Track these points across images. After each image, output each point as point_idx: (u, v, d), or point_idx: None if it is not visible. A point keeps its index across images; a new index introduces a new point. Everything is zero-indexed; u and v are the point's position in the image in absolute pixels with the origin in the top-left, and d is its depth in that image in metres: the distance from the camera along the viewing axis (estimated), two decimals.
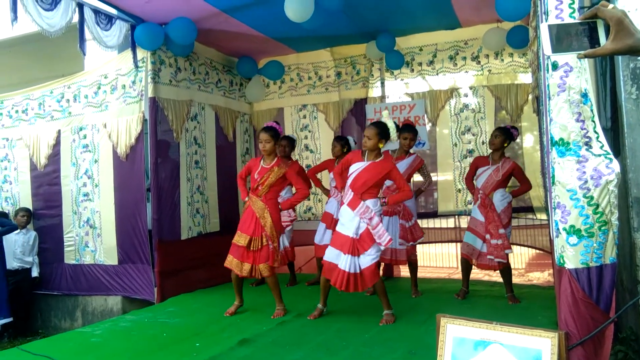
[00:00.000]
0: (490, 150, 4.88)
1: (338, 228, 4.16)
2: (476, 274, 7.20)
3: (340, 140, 5.53)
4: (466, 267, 4.95)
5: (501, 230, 4.56)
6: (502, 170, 4.68)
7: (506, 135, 4.68)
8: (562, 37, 1.37)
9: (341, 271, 3.97)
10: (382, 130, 3.99)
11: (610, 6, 1.35)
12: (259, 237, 4.31)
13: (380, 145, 4.03)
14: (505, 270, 4.71)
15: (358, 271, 3.97)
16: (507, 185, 4.83)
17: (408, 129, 4.97)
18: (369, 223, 3.96)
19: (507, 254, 4.59)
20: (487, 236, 4.62)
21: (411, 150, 5.18)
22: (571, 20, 1.97)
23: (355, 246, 3.98)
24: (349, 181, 4.11)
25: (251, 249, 4.31)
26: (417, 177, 5.51)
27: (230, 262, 4.37)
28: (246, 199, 4.48)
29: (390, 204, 4.23)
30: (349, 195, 4.08)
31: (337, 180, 4.40)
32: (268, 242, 4.31)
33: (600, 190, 2.01)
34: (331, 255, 4.08)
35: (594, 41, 1.33)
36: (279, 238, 4.54)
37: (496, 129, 4.81)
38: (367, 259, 3.96)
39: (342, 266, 3.97)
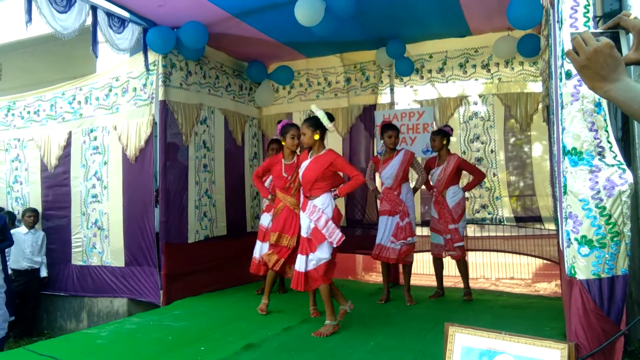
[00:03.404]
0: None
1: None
2: (482, 283, 7.17)
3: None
4: (437, 266, 5.28)
5: (451, 225, 5.04)
6: (449, 168, 5.10)
7: (442, 134, 5.16)
8: None
9: (296, 272, 4.06)
10: (313, 122, 4.03)
11: (633, 16, 1.34)
12: (297, 235, 4.40)
13: (316, 137, 4.03)
14: (460, 263, 5.14)
15: (308, 270, 3.98)
16: (458, 181, 5.26)
17: (390, 127, 5.08)
18: (316, 222, 3.95)
19: (459, 247, 5.02)
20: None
21: (399, 148, 5.17)
22: (591, 29, 1.96)
23: (306, 245, 4.02)
24: (302, 182, 4.18)
25: (288, 246, 4.46)
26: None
27: (271, 261, 4.52)
28: (269, 197, 4.62)
29: (341, 194, 4.12)
30: (302, 197, 4.18)
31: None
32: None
33: (613, 201, 1.99)
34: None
35: None
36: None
37: (432, 133, 5.31)
38: (314, 260, 3.96)
39: (296, 266, 4.06)
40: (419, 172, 5.22)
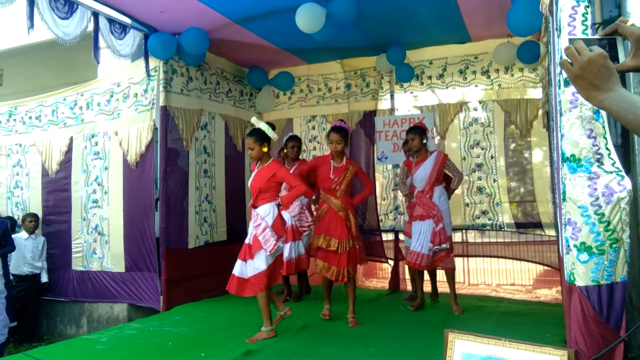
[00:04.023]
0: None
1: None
2: (483, 289, 7.16)
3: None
4: (413, 272, 5.27)
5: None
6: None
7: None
8: None
9: (232, 274, 4.07)
10: (259, 136, 4.08)
11: (630, 23, 1.35)
12: (346, 239, 4.32)
13: (265, 150, 4.10)
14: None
15: (244, 276, 4.04)
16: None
17: (412, 130, 4.95)
18: (256, 229, 4.03)
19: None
20: None
21: (431, 149, 5.03)
22: (589, 36, 1.98)
23: (246, 251, 4.07)
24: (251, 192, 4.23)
25: (339, 252, 4.31)
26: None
27: (322, 267, 4.39)
28: (313, 197, 4.59)
29: (284, 202, 4.20)
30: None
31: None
32: (355, 244, 4.38)
33: (612, 208, 2.00)
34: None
35: (613, 57, 1.33)
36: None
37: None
38: (251, 268, 4.01)
39: (234, 269, 4.08)
40: (454, 174, 4.97)
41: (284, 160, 5.51)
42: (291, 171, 5.20)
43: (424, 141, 4.90)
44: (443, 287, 5.38)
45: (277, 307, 4.19)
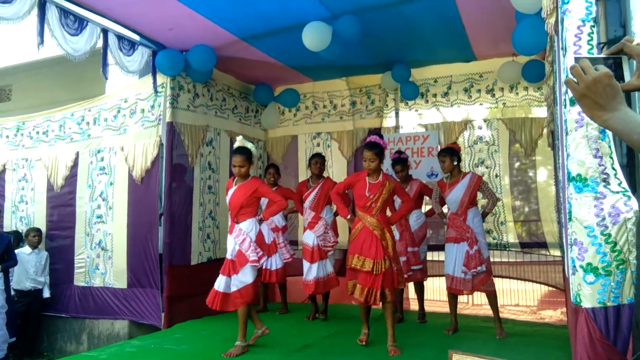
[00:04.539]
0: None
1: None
2: (487, 310, 7.06)
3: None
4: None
5: (410, 248, 5.09)
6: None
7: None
8: None
9: (213, 290, 4.12)
10: (248, 155, 4.22)
11: (635, 42, 1.35)
12: (381, 259, 4.00)
13: (251, 167, 4.27)
14: (417, 285, 5.42)
15: (229, 291, 4.09)
16: (420, 206, 5.36)
17: (443, 152, 4.84)
18: (240, 245, 4.08)
19: (418, 270, 5.15)
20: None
21: (466, 170, 5.05)
22: (595, 55, 1.98)
23: (229, 267, 4.12)
24: (229, 208, 4.28)
25: (374, 272, 3.97)
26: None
27: (356, 290, 4.06)
28: (348, 217, 4.32)
29: (266, 218, 4.35)
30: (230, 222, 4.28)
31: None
32: (392, 265, 4.07)
33: (618, 228, 1.98)
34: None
35: (618, 76, 1.32)
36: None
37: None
38: (237, 282, 4.06)
39: (216, 285, 4.13)
40: (489, 197, 4.82)
41: (275, 179, 5.80)
42: (316, 190, 5.36)
43: (455, 162, 4.74)
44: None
45: (255, 324, 4.25)
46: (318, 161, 5.50)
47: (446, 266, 4.77)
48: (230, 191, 4.26)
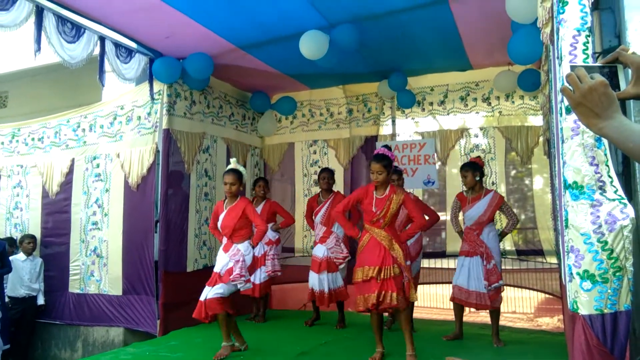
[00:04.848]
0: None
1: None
2: (484, 317, 7.06)
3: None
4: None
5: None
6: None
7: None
8: None
9: (199, 302, 4.14)
10: (239, 176, 4.29)
11: (631, 51, 1.37)
12: (390, 265, 3.81)
13: (240, 188, 4.34)
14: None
15: (204, 299, 4.13)
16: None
17: (465, 166, 4.72)
18: (234, 265, 4.13)
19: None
20: None
21: (464, 188, 4.87)
22: (591, 64, 2.00)
23: (216, 279, 4.17)
24: (221, 228, 4.35)
25: (381, 277, 3.78)
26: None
27: (360, 302, 3.89)
28: (357, 236, 4.10)
29: (255, 244, 4.34)
30: (224, 240, 4.34)
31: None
32: (403, 273, 3.87)
33: (615, 235, 1.99)
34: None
35: (614, 85, 1.34)
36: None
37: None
38: (213, 292, 4.09)
39: (202, 297, 4.15)
40: (510, 217, 4.71)
41: (264, 192, 5.83)
42: (326, 205, 5.35)
43: (477, 178, 4.61)
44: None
45: (236, 340, 4.32)
46: (326, 176, 5.45)
47: (455, 277, 4.71)
48: (221, 216, 4.35)
